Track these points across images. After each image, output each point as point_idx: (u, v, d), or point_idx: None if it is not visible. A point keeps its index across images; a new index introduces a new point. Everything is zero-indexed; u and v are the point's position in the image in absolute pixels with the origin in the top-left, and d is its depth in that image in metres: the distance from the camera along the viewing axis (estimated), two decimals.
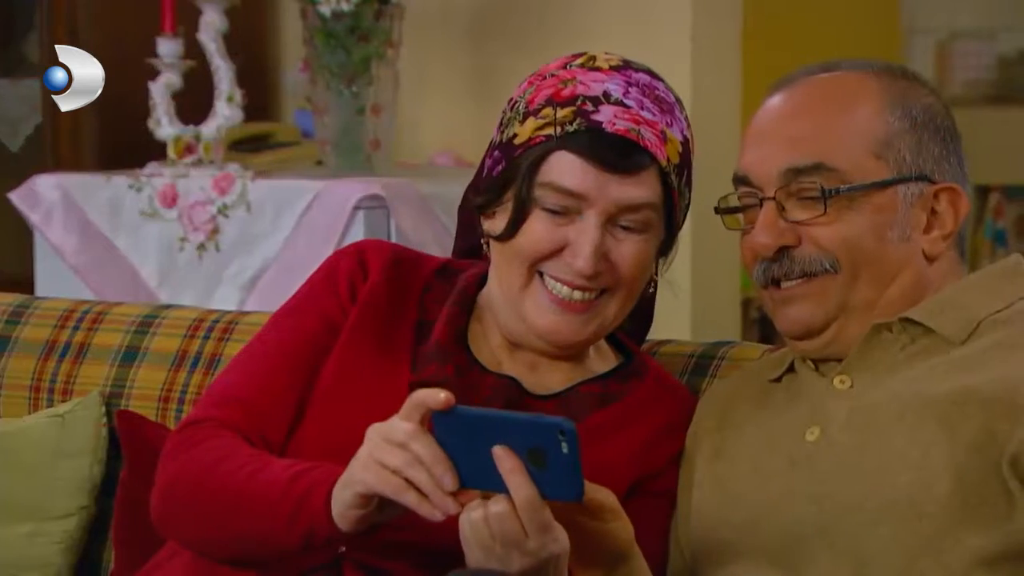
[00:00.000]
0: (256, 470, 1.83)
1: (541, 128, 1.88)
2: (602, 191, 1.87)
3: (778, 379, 1.92)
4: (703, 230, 3.46)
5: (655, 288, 1.98)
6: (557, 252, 1.89)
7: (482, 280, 2.00)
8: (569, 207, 1.88)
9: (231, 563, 1.86)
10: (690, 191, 1.94)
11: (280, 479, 1.80)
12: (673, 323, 3.50)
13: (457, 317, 1.97)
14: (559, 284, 1.89)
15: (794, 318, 1.85)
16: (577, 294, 1.89)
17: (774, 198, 1.82)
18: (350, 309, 1.97)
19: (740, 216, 1.88)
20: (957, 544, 1.70)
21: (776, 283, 1.85)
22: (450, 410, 1.68)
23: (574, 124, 1.87)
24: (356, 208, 3.44)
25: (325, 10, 3.54)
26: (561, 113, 1.87)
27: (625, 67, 1.91)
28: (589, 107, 1.87)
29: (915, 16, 6.10)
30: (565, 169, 1.87)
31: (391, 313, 1.97)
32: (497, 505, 1.66)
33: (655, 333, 2.11)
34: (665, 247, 1.95)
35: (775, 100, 1.87)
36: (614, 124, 1.86)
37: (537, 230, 1.89)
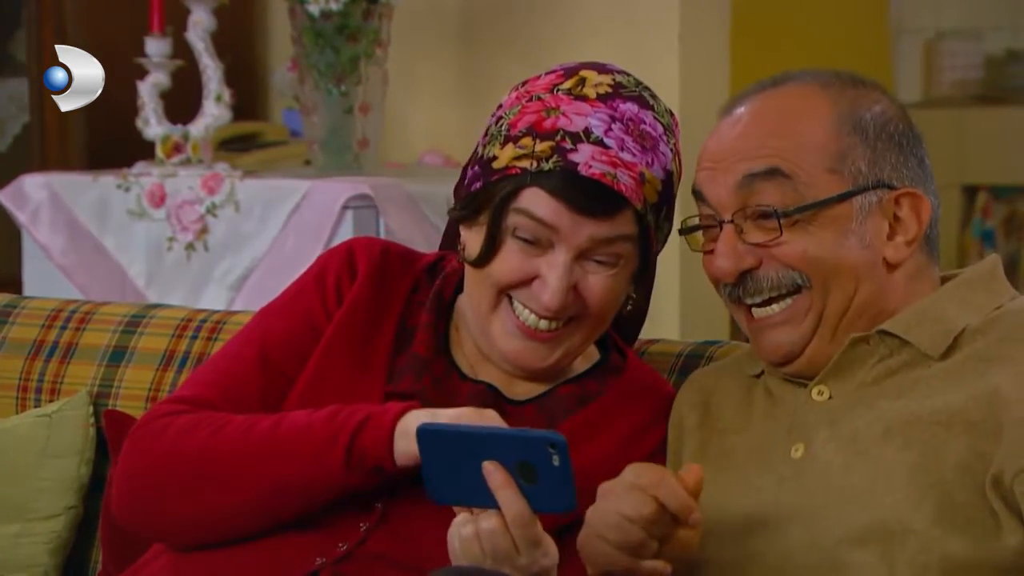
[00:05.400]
0: (276, 421, 1.84)
1: (518, 159, 1.86)
2: (574, 229, 1.85)
3: (758, 375, 1.92)
4: None
5: (632, 305, 1.96)
6: (527, 282, 1.88)
7: (460, 282, 1.99)
8: (541, 238, 1.86)
9: (227, 539, 1.85)
10: (670, 221, 1.92)
11: (317, 418, 1.82)
12: (662, 322, 3.51)
13: (435, 325, 1.96)
14: (527, 311, 1.89)
15: (774, 345, 1.85)
16: (543, 323, 1.88)
17: (732, 221, 1.82)
18: (335, 311, 1.97)
19: (700, 235, 1.87)
20: (944, 560, 1.70)
21: (743, 303, 1.84)
22: (438, 427, 1.68)
23: (550, 162, 1.84)
24: (344, 208, 3.44)
25: (314, 9, 3.54)
26: (539, 147, 1.85)
27: (613, 96, 1.87)
28: (567, 144, 1.84)
29: (903, 16, 6.11)
30: (538, 203, 1.85)
31: (373, 318, 1.97)
32: (488, 521, 1.67)
33: (643, 332, 2.11)
34: (639, 274, 1.93)
35: (727, 119, 1.86)
36: (590, 167, 1.84)
37: (509, 260, 1.87)
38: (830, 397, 1.82)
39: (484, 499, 1.66)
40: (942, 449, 1.72)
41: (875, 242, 1.81)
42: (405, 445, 1.78)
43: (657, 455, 1.95)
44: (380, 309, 1.97)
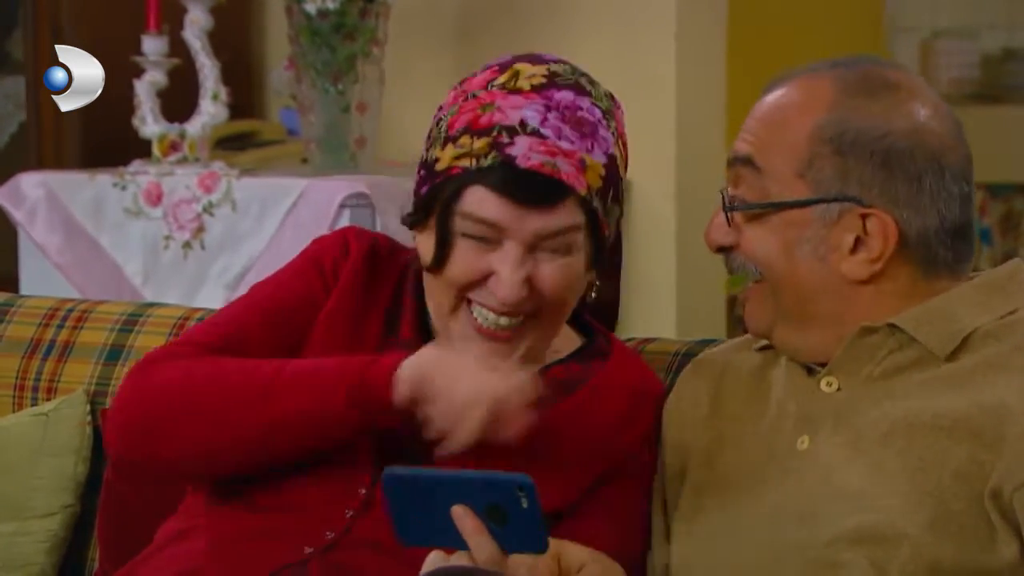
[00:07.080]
0: (284, 362, 1.86)
1: (458, 158, 1.86)
2: (520, 223, 1.85)
3: (768, 347, 1.92)
4: (688, 228, 3.45)
5: (596, 293, 1.96)
6: (482, 281, 1.88)
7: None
8: (489, 236, 1.86)
9: (238, 469, 1.86)
10: (620, 204, 1.91)
11: (327, 362, 1.84)
12: (658, 321, 3.51)
13: (418, 310, 1.98)
14: (486, 311, 1.88)
15: (746, 316, 1.88)
16: (503, 320, 1.88)
17: (722, 195, 1.85)
18: (332, 287, 1.98)
19: None
20: (935, 568, 1.70)
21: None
22: (404, 472, 1.68)
23: (488, 158, 1.84)
24: (341, 206, 3.45)
25: (310, 8, 3.54)
26: (477, 145, 1.85)
27: (548, 86, 1.87)
28: (504, 138, 1.84)
29: (899, 14, 6.11)
30: (481, 203, 1.85)
31: (364, 302, 1.98)
32: (459, 562, 1.66)
33: (640, 330, 2.11)
34: (595, 260, 1.92)
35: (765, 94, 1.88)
36: (528, 159, 1.84)
37: (461, 259, 1.87)
38: (838, 388, 1.82)
39: (454, 540, 1.65)
40: (942, 455, 1.72)
41: (831, 256, 1.80)
42: (408, 373, 1.80)
43: (643, 447, 1.95)
44: (371, 292, 1.99)
